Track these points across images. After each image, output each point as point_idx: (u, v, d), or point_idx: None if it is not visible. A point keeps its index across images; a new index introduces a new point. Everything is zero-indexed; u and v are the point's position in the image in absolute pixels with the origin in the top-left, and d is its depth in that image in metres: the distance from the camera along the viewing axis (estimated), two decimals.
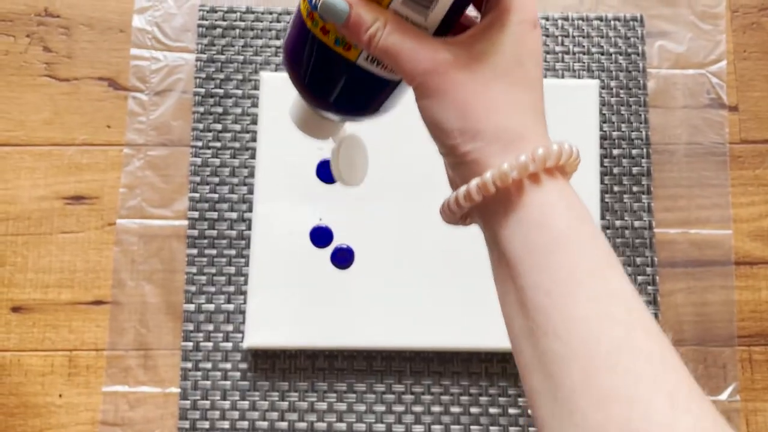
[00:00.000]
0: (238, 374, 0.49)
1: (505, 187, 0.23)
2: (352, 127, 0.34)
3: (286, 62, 0.29)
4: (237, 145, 0.52)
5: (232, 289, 0.50)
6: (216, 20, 0.54)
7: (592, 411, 0.20)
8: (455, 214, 0.25)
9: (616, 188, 0.52)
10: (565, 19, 0.55)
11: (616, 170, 0.53)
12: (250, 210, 0.51)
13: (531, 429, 0.49)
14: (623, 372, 0.20)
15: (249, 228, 0.51)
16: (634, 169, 0.53)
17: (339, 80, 0.27)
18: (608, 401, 0.20)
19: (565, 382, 0.21)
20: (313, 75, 0.27)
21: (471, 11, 0.26)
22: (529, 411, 0.24)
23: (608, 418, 0.20)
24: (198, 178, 0.52)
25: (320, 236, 0.50)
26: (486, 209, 0.24)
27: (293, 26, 0.27)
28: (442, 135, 0.24)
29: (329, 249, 0.50)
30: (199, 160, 0.52)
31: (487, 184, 0.23)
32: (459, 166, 0.24)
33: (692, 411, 0.20)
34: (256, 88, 0.53)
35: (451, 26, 0.25)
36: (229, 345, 0.50)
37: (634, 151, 0.53)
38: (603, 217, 0.51)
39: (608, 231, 0.51)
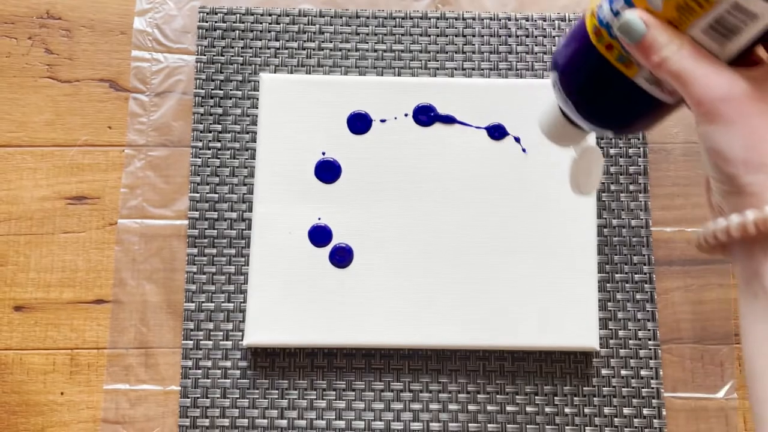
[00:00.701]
0: (238, 372, 0.50)
1: None
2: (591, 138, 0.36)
3: (559, 71, 0.30)
4: (237, 145, 0.53)
5: (231, 288, 0.51)
6: (216, 22, 0.55)
7: None
8: (717, 243, 0.25)
9: (613, 187, 0.53)
10: (563, 19, 0.55)
11: (612, 169, 0.53)
12: (249, 210, 0.52)
13: (529, 427, 0.49)
14: None
15: (249, 227, 0.51)
16: (631, 168, 0.53)
17: (612, 95, 0.29)
18: None
19: None
20: (588, 87, 0.29)
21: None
22: None
23: None
24: (198, 179, 0.52)
25: (319, 235, 0.50)
26: (754, 243, 0.24)
27: (574, 38, 0.29)
28: (722, 162, 0.24)
29: (328, 248, 0.50)
30: (199, 161, 0.53)
31: None
32: (732, 196, 0.24)
33: None
34: (255, 89, 0.54)
35: (741, 59, 0.26)
36: (229, 343, 0.50)
37: (630, 150, 0.53)
38: (600, 216, 0.52)
39: (605, 229, 0.52)
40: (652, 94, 0.28)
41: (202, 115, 0.53)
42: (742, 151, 0.23)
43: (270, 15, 0.55)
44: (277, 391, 0.49)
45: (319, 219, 0.50)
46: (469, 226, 0.50)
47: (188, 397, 0.49)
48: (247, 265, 0.50)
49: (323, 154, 0.51)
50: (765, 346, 0.24)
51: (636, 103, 0.29)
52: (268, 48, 0.54)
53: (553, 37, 0.55)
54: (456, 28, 0.55)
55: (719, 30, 0.25)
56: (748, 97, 0.24)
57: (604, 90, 0.29)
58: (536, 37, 0.55)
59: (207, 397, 0.49)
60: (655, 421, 0.49)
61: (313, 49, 0.55)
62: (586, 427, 0.49)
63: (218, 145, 0.53)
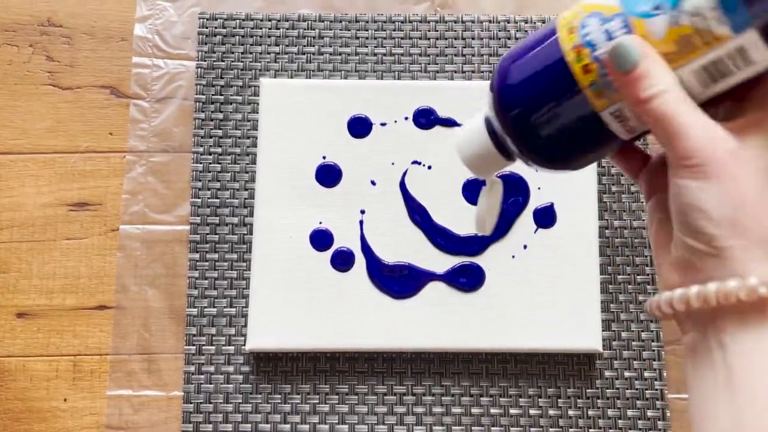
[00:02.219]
0: (240, 377, 0.50)
1: (749, 301, 0.22)
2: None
3: (508, 91, 0.26)
4: (238, 150, 0.53)
5: (234, 292, 0.51)
6: (216, 28, 0.55)
7: None
8: (682, 309, 0.23)
9: (614, 188, 0.52)
10: None
11: (613, 170, 0.53)
12: (251, 214, 0.52)
13: (532, 429, 0.49)
14: None
15: (250, 232, 0.51)
16: None
17: (569, 126, 0.25)
18: None
19: None
20: (543, 113, 0.25)
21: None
22: None
23: None
24: (200, 184, 0.52)
25: (321, 239, 0.50)
26: (721, 315, 0.22)
27: (539, 56, 0.25)
28: (703, 221, 0.22)
29: (330, 252, 0.50)
30: (200, 166, 0.53)
31: (753, 289, 0.21)
32: (708, 258, 0.22)
33: None
34: (256, 94, 0.54)
35: (713, 101, 0.24)
36: (231, 348, 0.50)
37: None
38: (601, 218, 0.52)
39: (607, 231, 0.52)
40: (610, 130, 0.25)
41: (203, 120, 0.53)
42: (729, 213, 0.22)
43: (270, 20, 0.55)
44: (279, 396, 0.49)
45: (320, 223, 0.50)
46: (470, 229, 0.50)
47: (191, 403, 0.49)
48: (249, 270, 0.50)
49: (324, 158, 0.51)
50: (719, 425, 0.22)
51: (590, 138, 0.25)
52: (268, 53, 0.55)
53: None
54: (455, 31, 0.55)
55: (711, 73, 0.23)
56: (735, 156, 0.22)
57: (562, 119, 0.25)
58: None
59: (210, 403, 0.49)
60: (659, 422, 0.49)
61: (313, 54, 0.55)
62: (589, 430, 0.49)
63: (219, 150, 0.53)
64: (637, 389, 0.49)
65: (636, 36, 0.23)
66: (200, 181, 0.52)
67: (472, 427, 0.49)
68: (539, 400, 0.49)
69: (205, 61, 0.54)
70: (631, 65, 0.22)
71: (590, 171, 0.51)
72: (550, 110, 0.25)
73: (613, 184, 0.52)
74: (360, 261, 0.50)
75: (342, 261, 0.50)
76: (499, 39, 0.55)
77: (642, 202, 0.52)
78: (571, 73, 0.24)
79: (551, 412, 0.49)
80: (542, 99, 0.25)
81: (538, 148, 0.26)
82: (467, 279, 0.49)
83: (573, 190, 0.51)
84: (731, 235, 0.22)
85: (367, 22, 0.55)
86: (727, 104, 0.24)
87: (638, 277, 0.51)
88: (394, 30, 0.55)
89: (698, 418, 0.23)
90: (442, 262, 0.50)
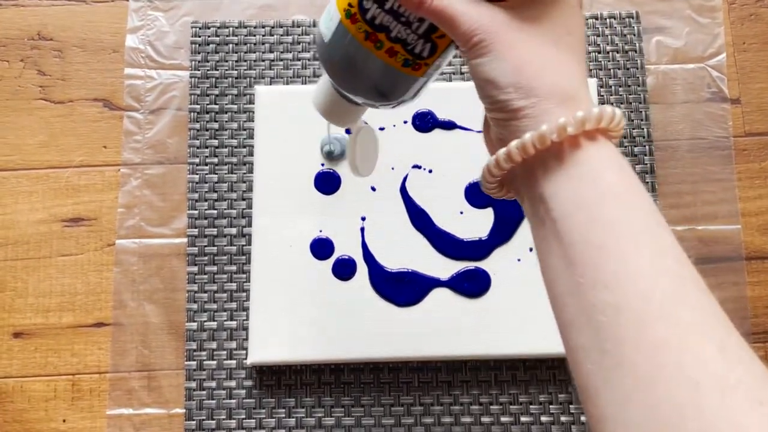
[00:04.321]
0: (243, 392, 0.48)
1: (560, 141, 0.23)
2: (366, 118, 0.35)
3: (333, 69, 0.29)
4: (234, 160, 0.52)
5: (234, 305, 0.50)
6: (209, 36, 0.54)
7: (642, 360, 0.20)
8: (500, 174, 0.26)
9: None
10: None
11: None
12: (249, 225, 0.51)
13: None
14: (676, 322, 0.21)
15: (249, 243, 0.50)
16: (637, 167, 0.52)
17: (357, 56, 0.28)
18: (660, 350, 0.20)
19: (614, 332, 0.21)
20: (371, 85, 0.28)
21: None
22: (571, 372, 0.24)
23: (660, 366, 0.20)
24: (196, 195, 0.51)
25: (321, 248, 0.49)
26: (533, 167, 0.24)
27: (345, 45, 0.28)
28: (495, 91, 0.24)
29: (331, 260, 0.49)
30: (196, 177, 0.52)
31: (544, 137, 0.23)
32: (509, 123, 0.25)
33: (744, 361, 0.20)
34: (251, 102, 0.53)
35: None
36: (233, 363, 0.49)
37: (636, 149, 0.52)
38: None
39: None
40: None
41: (197, 130, 0.52)
42: (512, 77, 0.24)
43: (263, 27, 0.54)
44: (284, 410, 0.48)
45: (321, 231, 0.49)
46: (473, 232, 0.49)
47: (193, 420, 0.48)
48: (249, 282, 0.49)
49: (322, 165, 0.50)
50: (561, 275, 0.23)
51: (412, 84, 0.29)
52: (263, 60, 0.54)
53: None
54: None
55: None
56: (509, 27, 0.24)
57: (349, 55, 0.28)
58: None
59: (212, 419, 0.48)
60: None
61: (309, 60, 0.54)
62: None
63: (215, 160, 0.52)
64: None
65: None
66: (197, 192, 0.51)
67: None
68: (550, 406, 0.48)
69: (198, 70, 0.53)
70: None
71: None
72: (342, 52, 0.28)
73: None
74: (362, 269, 0.49)
75: (344, 269, 0.49)
76: None
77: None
78: (344, 25, 0.27)
79: (563, 418, 0.48)
80: (368, 75, 0.28)
81: (359, 91, 0.29)
82: (472, 284, 0.48)
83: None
84: (519, 96, 0.24)
85: None
86: None
87: None
88: None
89: (546, 280, 0.24)
90: (446, 267, 0.49)
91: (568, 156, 0.23)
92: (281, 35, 0.54)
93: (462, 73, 0.53)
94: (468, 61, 0.25)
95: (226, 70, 0.53)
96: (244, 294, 0.50)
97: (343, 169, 0.50)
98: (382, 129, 0.51)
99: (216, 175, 0.52)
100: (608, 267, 0.22)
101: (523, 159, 0.24)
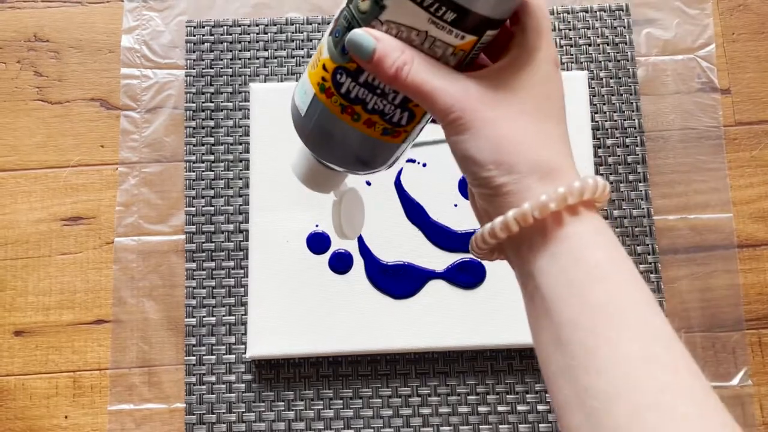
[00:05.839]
0: (242, 386, 0.49)
1: (543, 218, 0.23)
2: (351, 181, 0.34)
3: (311, 141, 0.29)
4: (230, 157, 0.53)
5: (232, 300, 0.50)
6: (203, 35, 0.55)
7: None
8: (487, 247, 0.25)
9: (612, 178, 0.52)
10: (551, 12, 0.55)
11: (610, 160, 0.52)
12: (246, 221, 0.51)
13: (541, 426, 0.48)
14: (670, 413, 0.20)
15: (246, 239, 0.51)
16: (629, 158, 0.52)
17: (335, 132, 0.27)
18: None
19: (607, 420, 0.21)
20: (351, 155, 0.28)
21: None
22: None
23: None
24: (193, 192, 0.52)
25: (317, 242, 0.50)
26: (519, 243, 0.24)
27: (322, 118, 0.27)
28: (475, 168, 0.24)
29: (327, 254, 0.49)
30: (193, 175, 0.52)
31: (526, 215, 0.23)
32: (493, 199, 0.24)
33: None
34: (246, 99, 0.53)
35: (472, 63, 0.25)
36: (232, 357, 0.49)
37: (627, 140, 0.53)
38: (600, 208, 0.51)
39: (606, 221, 0.51)
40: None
41: (194, 128, 0.53)
42: (492, 155, 0.23)
43: (257, 25, 0.55)
44: (283, 403, 0.49)
45: (317, 226, 0.50)
46: (467, 224, 0.49)
47: (193, 414, 0.49)
48: (247, 277, 0.50)
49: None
50: (553, 353, 0.23)
51: (393, 152, 0.29)
52: (257, 58, 0.54)
53: None
54: None
55: (423, 40, 0.24)
56: (485, 101, 0.23)
57: (325, 128, 0.28)
58: None
59: (212, 413, 0.49)
60: None
61: (302, 57, 0.54)
62: None
63: (212, 157, 0.53)
64: None
65: (363, 28, 0.24)
66: (194, 189, 0.52)
67: (480, 426, 0.48)
68: (546, 395, 0.49)
69: (194, 69, 0.54)
70: (369, 51, 0.24)
71: (586, 162, 0.50)
72: (318, 124, 0.28)
73: (610, 174, 0.52)
74: (358, 262, 0.49)
75: (340, 263, 0.49)
76: None
77: (640, 191, 0.52)
78: (355, 129, 0.27)
79: None
80: (347, 148, 0.28)
81: (339, 161, 0.29)
82: (468, 276, 0.49)
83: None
84: (500, 173, 0.23)
85: None
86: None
87: (641, 266, 0.50)
88: None
89: (540, 355, 0.24)
90: (441, 259, 0.49)
91: (553, 233, 0.23)
92: (275, 33, 0.55)
93: None
94: (447, 136, 0.25)
95: (221, 68, 0.54)
96: (242, 289, 0.50)
97: None
98: None
99: (213, 173, 0.52)
100: (599, 352, 0.21)
101: (507, 236, 0.24)
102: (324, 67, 0.26)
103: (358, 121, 0.26)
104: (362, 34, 0.24)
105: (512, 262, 0.25)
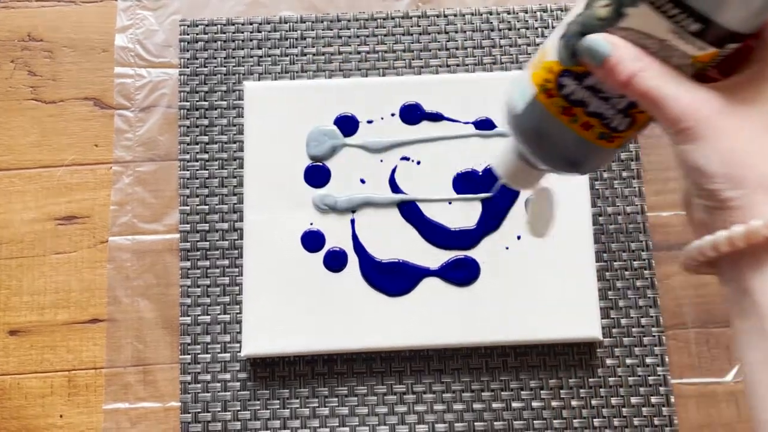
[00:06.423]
0: (237, 384, 0.49)
1: None
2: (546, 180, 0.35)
3: (525, 139, 0.30)
4: (224, 155, 0.53)
5: (227, 299, 0.50)
6: (197, 34, 0.55)
7: None
8: (704, 260, 0.25)
9: (605, 174, 0.52)
10: (544, 10, 0.55)
11: None
12: (241, 219, 0.51)
13: (536, 422, 0.48)
14: None
15: (241, 237, 0.51)
16: (623, 154, 0.52)
17: (560, 142, 0.28)
18: None
19: None
20: (562, 156, 0.29)
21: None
22: None
23: None
24: (188, 191, 0.52)
25: (312, 241, 0.50)
26: (739, 258, 0.24)
27: (539, 117, 0.28)
28: (703, 179, 0.24)
29: (322, 253, 0.49)
30: (187, 173, 0.52)
31: (756, 231, 0.23)
32: (717, 212, 0.24)
33: None
34: (240, 98, 0.53)
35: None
36: (227, 356, 0.49)
37: None
38: (594, 204, 0.51)
39: (600, 218, 0.51)
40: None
41: (188, 127, 0.53)
42: (722, 167, 0.23)
43: (251, 24, 0.55)
44: (278, 401, 0.49)
45: (311, 224, 0.50)
46: (462, 222, 0.50)
47: (189, 413, 0.49)
48: (242, 276, 0.50)
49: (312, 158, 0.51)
50: (763, 373, 0.23)
51: (578, 146, 0.29)
52: (251, 57, 0.54)
53: (536, 28, 0.55)
54: (438, 25, 0.55)
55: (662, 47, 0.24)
56: (720, 113, 0.23)
57: (554, 140, 0.29)
58: (519, 29, 0.55)
59: (208, 412, 0.49)
60: (663, 409, 0.48)
61: (296, 55, 0.54)
62: (594, 419, 0.48)
63: (206, 156, 0.53)
64: (639, 376, 0.49)
65: (600, 33, 0.25)
66: (188, 188, 0.52)
67: (475, 423, 0.48)
68: (541, 392, 0.49)
69: (187, 67, 0.54)
70: (603, 56, 0.24)
71: None
72: (535, 124, 0.29)
73: (604, 171, 0.52)
74: (353, 260, 0.49)
75: (335, 261, 0.49)
76: (482, 31, 0.55)
77: (634, 187, 0.52)
78: (574, 132, 0.28)
79: (554, 403, 0.48)
80: (563, 149, 0.29)
81: (549, 161, 0.30)
82: (462, 273, 0.49)
83: (564, 178, 0.50)
84: (728, 187, 0.23)
85: (349, 20, 0.55)
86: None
87: (635, 262, 0.50)
88: (377, 27, 0.55)
89: (747, 374, 0.23)
90: (435, 257, 0.49)
91: None
92: (269, 31, 0.55)
93: (448, 66, 0.54)
94: (673, 143, 0.25)
95: (215, 66, 0.54)
96: (237, 288, 0.50)
97: (331, 162, 0.51)
98: (370, 122, 0.51)
99: (207, 171, 0.52)
100: None
101: (730, 251, 0.23)
102: (549, 69, 0.27)
103: (575, 123, 0.27)
104: (599, 40, 0.24)
105: (725, 276, 0.25)
